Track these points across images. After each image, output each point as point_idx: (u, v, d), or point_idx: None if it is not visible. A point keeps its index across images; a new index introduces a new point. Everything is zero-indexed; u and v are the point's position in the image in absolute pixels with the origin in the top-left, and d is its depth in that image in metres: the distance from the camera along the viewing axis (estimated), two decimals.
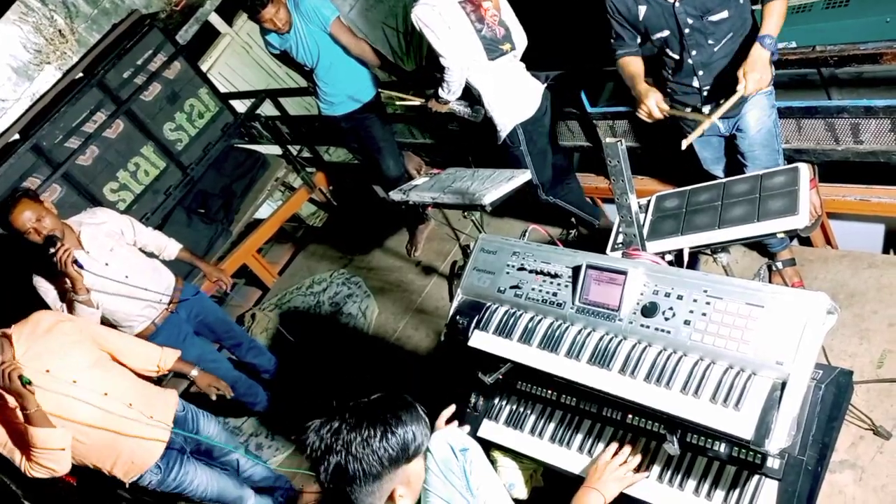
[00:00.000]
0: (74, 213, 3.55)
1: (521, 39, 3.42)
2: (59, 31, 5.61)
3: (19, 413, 2.55)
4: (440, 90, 3.46)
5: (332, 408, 1.56)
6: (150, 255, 3.69)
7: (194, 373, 3.29)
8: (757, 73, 2.52)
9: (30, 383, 2.48)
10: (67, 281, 3.10)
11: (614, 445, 2.06)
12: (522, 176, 3.09)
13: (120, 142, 4.99)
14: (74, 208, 4.06)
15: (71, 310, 3.23)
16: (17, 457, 2.68)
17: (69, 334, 2.85)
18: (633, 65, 2.92)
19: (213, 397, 3.32)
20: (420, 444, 1.56)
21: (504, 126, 3.44)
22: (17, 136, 4.91)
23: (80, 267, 3.10)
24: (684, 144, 2.58)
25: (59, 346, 2.79)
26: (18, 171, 4.58)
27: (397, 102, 4.13)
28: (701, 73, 2.80)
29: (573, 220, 3.97)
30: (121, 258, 3.42)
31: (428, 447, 1.80)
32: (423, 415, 1.62)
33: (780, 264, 3.15)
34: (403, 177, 4.46)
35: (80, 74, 5.13)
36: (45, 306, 3.29)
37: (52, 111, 4.76)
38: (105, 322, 3.43)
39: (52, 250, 3.01)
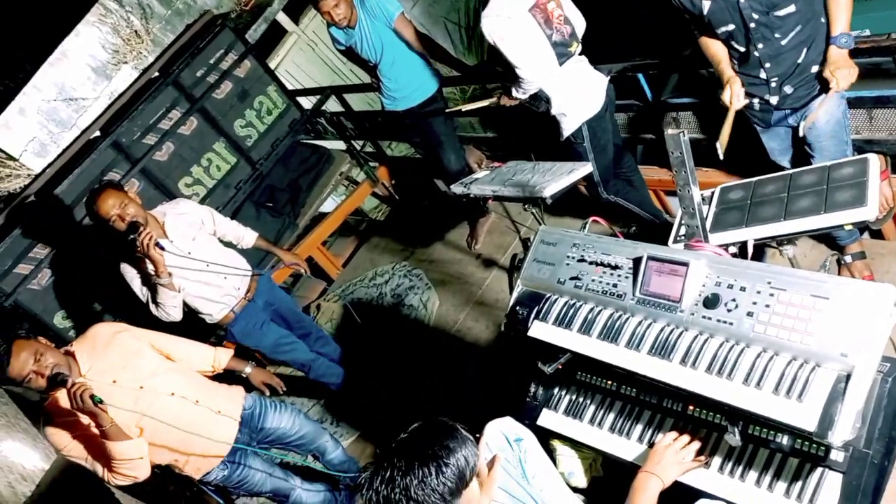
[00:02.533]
0: (151, 206, 3.69)
1: (580, 27, 3.35)
2: (136, 31, 5.87)
3: (95, 429, 2.63)
4: (514, 91, 3.40)
5: (377, 453, 1.53)
6: (228, 244, 3.81)
7: (248, 369, 3.37)
8: (844, 69, 2.55)
9: (101, 402, 2.50)
10: (149, 265, 3.24)
11: (674, 433, 2.05)
12: (583, 168, 3.05)
13: (193, 138, 5.20)
14: (151, 202, 4.24)
15: (154, 294, 3.37)
16: (98, 468, 2.77)
17: (128, 344, 2.96)
18: (714, 46, 2.89)
19: (267, 393, 3.39)
20: (473, 465, 1.55)
21: (571, 125, 3.41)
22: (97, 133, 5.16)
23: (162, 249, 3.22)
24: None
25: (121, 357, 2.90)
26: (100, 166, 4.83)
27: (464, 109, 4.04)
28: (768, 65, 2.75)
29: (634, 220, 3.92)
30: (202, 247, 3.55)
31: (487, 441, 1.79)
32: (467, 433, 1.60)
33: (849, 258, 3.08)
34: (464, 170, 4.48)
35: (156, 73, 5.35)
36: (131, 295, 3.47)
37: (129, 109, 4.99)
38: (187, 310, 3.58)
39: (134, 235, 3.16)
